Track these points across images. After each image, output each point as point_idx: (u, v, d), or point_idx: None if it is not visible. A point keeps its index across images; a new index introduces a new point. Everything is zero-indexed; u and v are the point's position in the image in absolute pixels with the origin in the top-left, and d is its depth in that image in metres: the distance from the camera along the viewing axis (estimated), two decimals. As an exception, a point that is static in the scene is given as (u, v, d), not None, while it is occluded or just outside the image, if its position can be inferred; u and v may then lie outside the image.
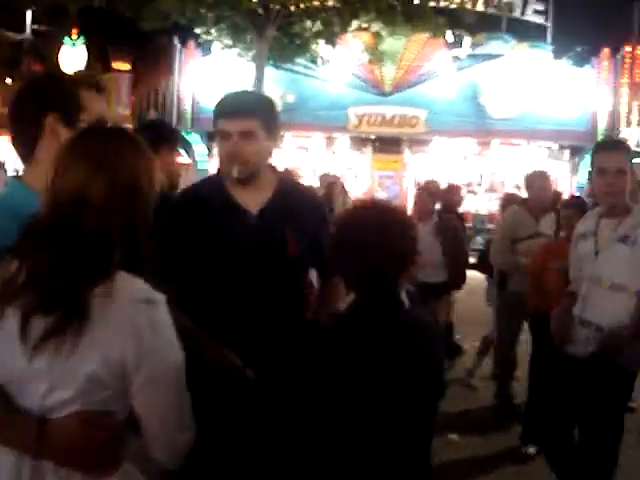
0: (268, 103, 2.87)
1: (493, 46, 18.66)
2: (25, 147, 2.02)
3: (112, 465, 1.71)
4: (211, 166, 19.43)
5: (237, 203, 2.73)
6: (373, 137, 19.14)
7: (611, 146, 3.80)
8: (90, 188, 1.69)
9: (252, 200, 2.73)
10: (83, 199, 1.68)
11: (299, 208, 2.75)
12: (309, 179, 16.57)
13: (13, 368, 1.67)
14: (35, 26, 22.73)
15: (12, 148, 2.09)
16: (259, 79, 15.79)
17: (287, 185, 2.87)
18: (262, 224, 2.69)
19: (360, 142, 19.41)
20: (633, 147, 18.39)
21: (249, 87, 15.97)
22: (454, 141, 18.79)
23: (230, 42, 16.77)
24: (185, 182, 3.75)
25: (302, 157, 19.44)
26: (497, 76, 18.30)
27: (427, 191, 7.04)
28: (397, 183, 19.35)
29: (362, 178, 19.58)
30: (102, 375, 1.64)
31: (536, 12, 20.22)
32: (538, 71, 18.22)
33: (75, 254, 1.65)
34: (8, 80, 21.18)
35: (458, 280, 6.60)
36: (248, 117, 2.65)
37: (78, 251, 1.65)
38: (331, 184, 8.94)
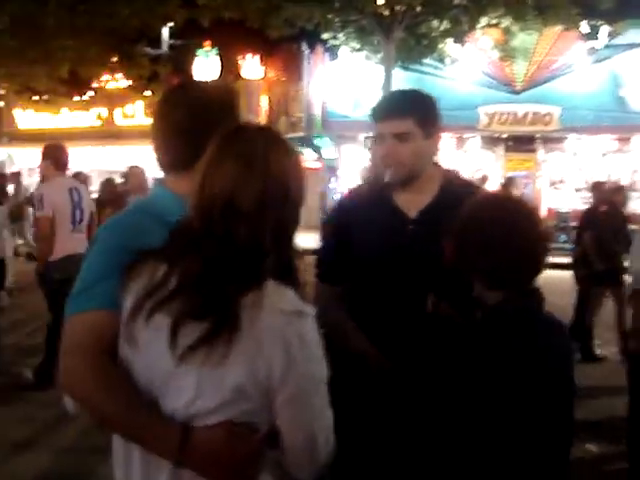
0: (424, 101, 2.67)
1: (633, 34, 17.70)
2: (180, 154, 1.97)
3: (250, 478, 1.67)
4: (340, 169, 19.66)
5: (396, 207, 2.64)
6: (505, 136, 18.66)
7: None
8: (240, 193, 1.62)
9: (412, 203, 2.63)
10: (233, 204, 1.62)
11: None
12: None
13: (160, 373, 1.65)
14: (171, 41, 23.82)
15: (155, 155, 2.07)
16: (387, 81, 15.76)
17: (451, 186, 2.68)
18: (419, 229, 2.60)
19: (491, 141, 18.98)
20: None
21: (377, 90, 16.01)
22: (591, 138, 17.99)
23: (357, 45, 16.84)
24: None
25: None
26: (638, 66, 17.35)
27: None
28: (530, 183, 18.73)
29: (494, 178, 19.11)
30: (247, 387, 1.60)
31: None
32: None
33: (226, 262, 1.61)
34: (147, 92, 22.17)
35: None
36: (401, 117, 2.54)
37: (229, 259, 1.61)
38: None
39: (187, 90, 2.12)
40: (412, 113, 2.54)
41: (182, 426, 1.62)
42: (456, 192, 2.58)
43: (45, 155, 6.84)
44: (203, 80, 21.01)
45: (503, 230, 2.01)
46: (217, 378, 1.59)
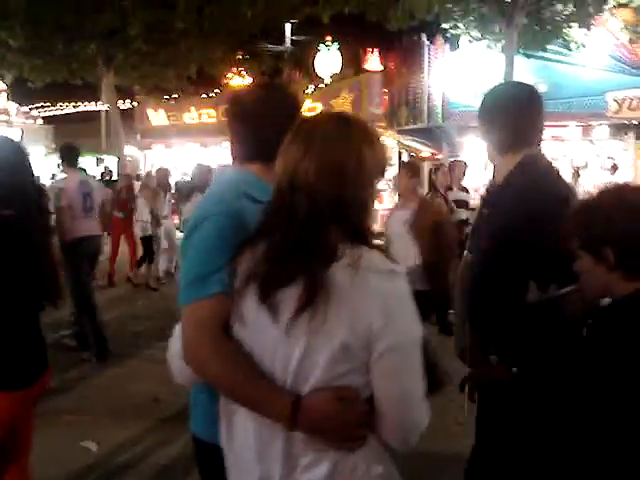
0: None
1: None
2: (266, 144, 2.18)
3: (360, 440, 1.77)
4: (464, 159, 19.36)
5: None
6: (636, 122, 17.84)
7: None
8: (298, 171, 1.79)
9: None
10: (293, 181, 1.79)
11: None
12: (566, 171, 15.92)
13: (270, 345, 1.80)
14: (293, 37, 24.23)
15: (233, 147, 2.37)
16: (509, 70, 15.43)
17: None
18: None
19: (621, 129, 18.19)
20: None
21: (500, 79, 15.71)
22: None
23: (479, 34, 16.56)
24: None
25: (557, 148, 18.67)
26: None
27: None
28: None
29: (624, 167, 18.34)
30: (351, 343, 1.71)
31: None
32: None
33: (297, 233, 1.76)
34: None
35: None
36: None
37: (298, 230, 1.76)
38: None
39: (269, 91, 2.42)
40: None
41: (294, 394, 1.77)
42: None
43: (60, 156, 8.43)
44: (323, 76, 21.25)
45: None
46: (323, 339, 1.71)
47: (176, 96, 22.78)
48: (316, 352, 1.73)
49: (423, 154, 23.27)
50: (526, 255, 2.51)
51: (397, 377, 1.74)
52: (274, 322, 1.77)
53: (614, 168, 17.42)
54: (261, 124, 2.26)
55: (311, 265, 1.72)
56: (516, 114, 2.91)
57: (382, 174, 1.88)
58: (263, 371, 1.83)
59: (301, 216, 1.76)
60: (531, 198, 2.62)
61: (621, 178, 18.20)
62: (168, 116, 25.73)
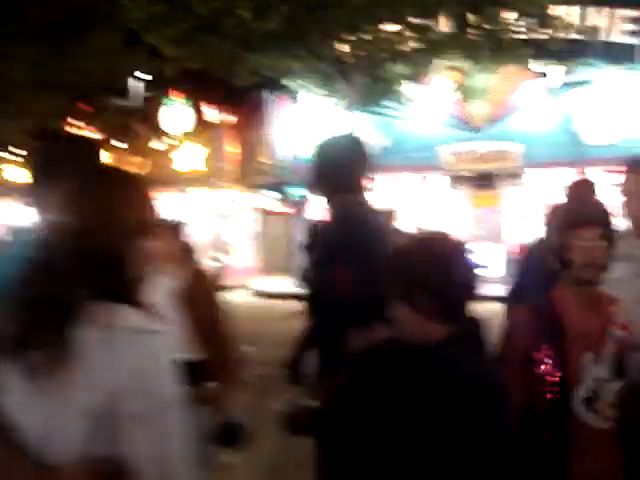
0: None
1: (583, 72, 18.26)
2: None
3: None
4: (310, 215, 19.82)
5: None
6: (469, 174, 19.03)
7: None
8: (53, 226, 1.75)
9: None
10: (50, 236, 1.74)
11: None
12: (406, 221, 16.60)
13: (26, 415, 1.67)
14: (141, 92, 23.98)
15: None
16: (350, 125, 16.04)
17: None
18: None
19: (456, 180, 19.32)
20: None
21: (343, 133, 16.25)
22: (550, 172, 18.43)
23: (321, 91, 17.13)
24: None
25: (398, 199, 19.53)
26: (591, 102, 17.87)
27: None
28: (496, 218, 19.08)
29: (460, 216, 19.43)
30: (100, 409, 1.60)
31: (625, 33, 19.66)
32: (633, 94, 17.69)
33: (44, 291, 1.67)
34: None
35: None
36: None
37: (45, 287, 1.68)
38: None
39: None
40: None
41: (49, 467, 1.62)
42: None
43: None
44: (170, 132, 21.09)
45: (444, 269, 2.14)
46: (71, 405, 1.60)
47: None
48: (66, 419, 1.61)
49: (276, 209, 23.60)
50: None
51: (152, 443, 1.62)
52: (27, 387, 1.65)
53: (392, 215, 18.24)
54: None
55: (56, 325, 1.60)
56: (338, 163, 3.10)
57: (145, 228, 1.81)
58: (24, 441, 1.66)
59: (49, 273, 1.68)
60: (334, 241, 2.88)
61: (458, 226, 19.30)
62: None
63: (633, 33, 18.97)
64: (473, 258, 2.29)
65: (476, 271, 2.24)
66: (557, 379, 2.58)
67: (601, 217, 2.71)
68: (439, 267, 2.13)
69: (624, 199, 3.49)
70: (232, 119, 21.19)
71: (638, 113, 17.48)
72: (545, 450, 2.58)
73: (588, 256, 2.63)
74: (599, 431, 2.58)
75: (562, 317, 2.68)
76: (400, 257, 2.24)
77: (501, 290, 19.07)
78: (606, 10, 17.97)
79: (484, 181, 18.98)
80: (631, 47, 18.87)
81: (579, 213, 2.74)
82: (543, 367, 2.60)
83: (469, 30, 15.01)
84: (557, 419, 2.57)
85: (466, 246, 2.31)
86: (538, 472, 2.58)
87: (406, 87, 17.37)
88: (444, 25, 15.47)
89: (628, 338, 2.70)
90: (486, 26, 14.92)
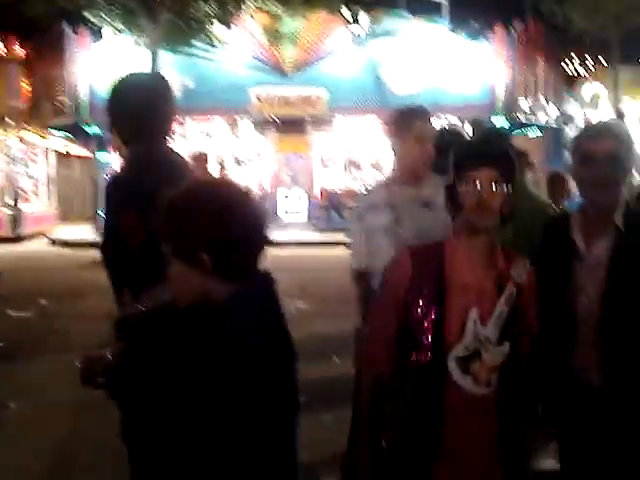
0: None
1: (391, 23, 18.70)
2: None
3: None
4: (111, 158, 18.96)
5: None
6: (276, 119, 18.97)
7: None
8: None
9: None
10: None
11: None
12: (214, 165, 16.31)
13: None
14: None
15: None
16: (154, 64, 15.38)
17: None
18: None
19: (263, 124, 19.22)
20: (524, 118, 18.96)
21: (145, 72, 15.59)
22: (357, 119, 18.81)
23: (122, 27, 16.26)
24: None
25: (205, 142, 19.15)
26: (396, 52, 18.37)
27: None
28: (303, 163, 19.24)
29: (267, 160, 19.40)
30: None
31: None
32: (436, 46, 18.37)
33: None
34: None
35: None
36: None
37: None
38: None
39: None
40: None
41: None
42: None
43: None
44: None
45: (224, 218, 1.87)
46: None
47: None
48: None
49: (73, 152, 22.36)
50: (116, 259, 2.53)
51: None
52: None
53: (201, 158, 18.23)
54: None
55: None
56: (137, 104, 2.74)
57: None
58: None
59: None
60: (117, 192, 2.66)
61: (265, 170, 19.28)
62: None
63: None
64: (261, 208, 2.01)
65: (263, 222, 1.96)
66: (430, 327, 2.33)
67: (498, 157, 2.34)
68: (216, 217, 1.85)
69: (402, 145, 3.38)
70: (23, 53, 19.47)
71: (440, 65, 18.18)
72: (419, 409, 2.36)
73: (479, 200, 2.29)
74: (473, 396, 2.31)
75: (448, 266, 2.37)
76: (172, 207, 1.90)
77: (307, 235, 19.74)
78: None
79: (292, 126, 19.01)
80: (438, 3, 19.63)
81: (472, 151, 2.40)
82: (419, 311, 2.33)
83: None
84: (431, 376, 2.32)
85: (251, 195, 2.02)
86: (413, 430, 2.37)
87: (215, 28, 16.91)
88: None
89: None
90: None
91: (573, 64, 22.13)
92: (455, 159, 2.37)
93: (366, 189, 3.64)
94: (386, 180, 3.53)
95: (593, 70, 21.89)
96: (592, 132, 2.70)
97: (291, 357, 2.00)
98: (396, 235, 3.25)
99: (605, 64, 20.77)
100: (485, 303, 2.31)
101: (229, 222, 1.85)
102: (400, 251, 2.55)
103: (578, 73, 22.26)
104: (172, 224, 1.89)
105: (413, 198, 3.33)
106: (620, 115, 18.02)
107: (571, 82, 21.85)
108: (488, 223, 2.31)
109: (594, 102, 21.23)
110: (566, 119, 20.39)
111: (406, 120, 3.42)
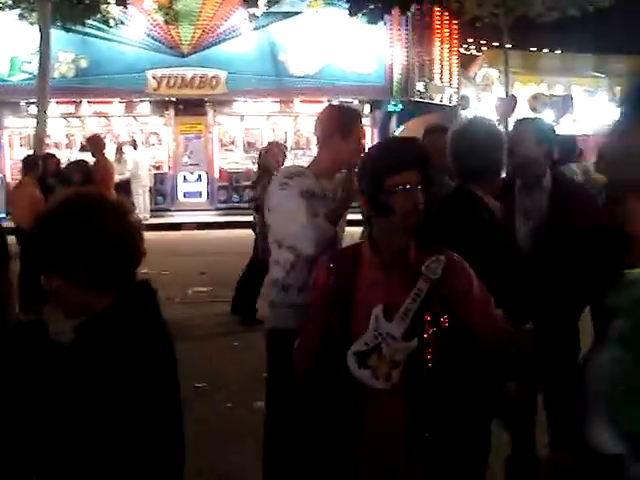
0: None
1: (289, 4, 18.67)
2: None
3: None
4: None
5: None
6: (175, 100, 18.71)
7: None
8: None
9: None
10: None
11: None
12: (111, 148, 15.96)
13: None
14: None
15: None
16: (45, 42, 14.85)
17: None
18: None
19: (162, 105, 18.92)
20: (419, 97, 19.38)
21: (34, 51, 15.11)
22: (256, 100, 18.78)
23: (10, 2, 15.62)
24: None
25: (101, 125, 18.73)
26: (295, 34, 18.37)
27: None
28: (202, 146, 19.07)
29: (166, 142, 19.14)
30: None
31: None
32: (335, 28, 18.47)
33: None
34: None
35: None
36: None
37: None
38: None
39: None
40: None
41: None
42: None
43: None
44: None
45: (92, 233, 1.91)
46: None
47: None
48: None
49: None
50: None
51: None
52: None
53: (134, 144, 18.01)
54: None
55: None
56: None
57: None
58: None
59: None
60: None
61: (164, 152, 19.02)
62: None
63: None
64: (135, 218, 2.03)
65: (137, 233, 2.00)
66: (340, 325, 2.41)
67: (422, 159, 2.41)
68: (88, 231, 1.90)
69: (342, 141, 3.39)
70: None
71: (338, 47, 18.31)
72: (331, 405, 2.46)
73: (410, 203, 2.32)
74: (374, 390, 2.33)
75: (362, 267, 2.45)
76: (44, 223, 1.96)
77: (207, 217, 19.43)
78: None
79: (190, 107, 18.80)
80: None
81: (396, 155, 2.41)
82: (336, 313, 2.42)
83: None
84: (339, 373, 2.37)
85: (125, 206, 2.05)
86: (328, 424, 2.47)
87: (111, 6, 16.52)
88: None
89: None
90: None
91: (469, 48, 22.67)
92: (381, 163, 2.40)
93: (291, 172, 3.52)
94: (310, 168, 3.50)
95: (487, 54, 22.49)
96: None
97: (173, 364, 2.05)
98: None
99: (497, 47, 21.36)
100: (393, 300, 2.36)
101: (101, 234, 1.90)
102: (322, 260, 2.60)
103: (473, 56, 22.84)
104: (46, 240, 1.93)
105: (329, 191, 3.41)
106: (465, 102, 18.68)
107: (467, 65, 22.39)
108: (419, 225, 2.37)
109: (488, 85, 21.87)
110: (461, 101, 20.93)
111: (353, 119, 3.49)
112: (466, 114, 18.96)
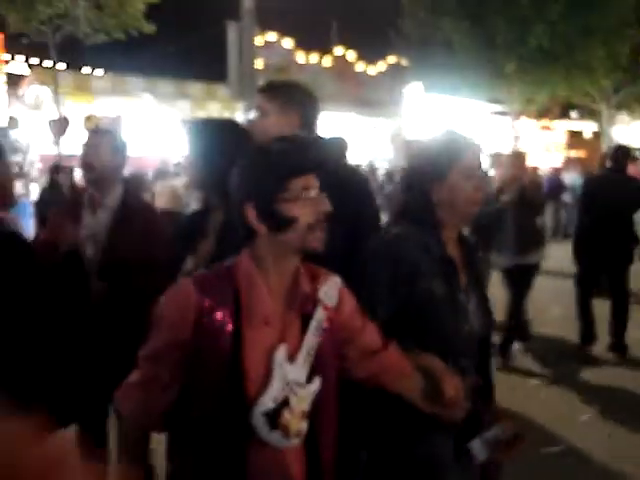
0: None
1: None
2: None
3: None
4: None
5: None
6: None
7: None
8: None
9: None
10: None
11: None
12: None
13: None
14: None
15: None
16: None
17: None
18: None
19: None
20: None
21: None
22: None
23: None
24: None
25: None
26: None
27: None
28: None
29: None
30: None
31: None
32: None
33: None
34: None
35: None
36: None
37: None
38: None
39: None
40: None
41: None
42: None
43: None
44: None
45: None
46: None
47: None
48: None
49: None
50: None
51: None
52: None
53: None
54: None
55: None
56: None
57: None
58: None
59: None
60: None
61: None
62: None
63: None
64: None
65: None
66: (226, 375, 1.78)
67: (321, 163, 1.86)
68: None
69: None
70: None
71: None
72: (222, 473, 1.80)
73: (315, 212, 1.80)
74: (283, 452, 1.83)
75: (244, 297, 1.82)
76: None
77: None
78: None
79: None
80: None
81: (294, 157, 1.81)
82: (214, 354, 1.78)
83: None
84: (229, 437, 1.78)
85: None
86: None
87: None
88: None
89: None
90: None
91: (17, 66, 21.66)
92: (274, 166, 1.81)
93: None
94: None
95: (36, 73, 21.72)
96: None
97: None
98: None
99: (47, 67, 20.76)
100: (292, 338, 1.84)
101: None
102: (180, 281, 1.91)
103: (22, 74, 21.90)
104: None
105: None
106: (13, 122, 18.15)
107: (15, 83, 21.37)
108: (323, 240, 1.83)
109: (38, 104, 21.08)
110: (10, 122, 19.89)
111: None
112: (16, 134, 18.03)
